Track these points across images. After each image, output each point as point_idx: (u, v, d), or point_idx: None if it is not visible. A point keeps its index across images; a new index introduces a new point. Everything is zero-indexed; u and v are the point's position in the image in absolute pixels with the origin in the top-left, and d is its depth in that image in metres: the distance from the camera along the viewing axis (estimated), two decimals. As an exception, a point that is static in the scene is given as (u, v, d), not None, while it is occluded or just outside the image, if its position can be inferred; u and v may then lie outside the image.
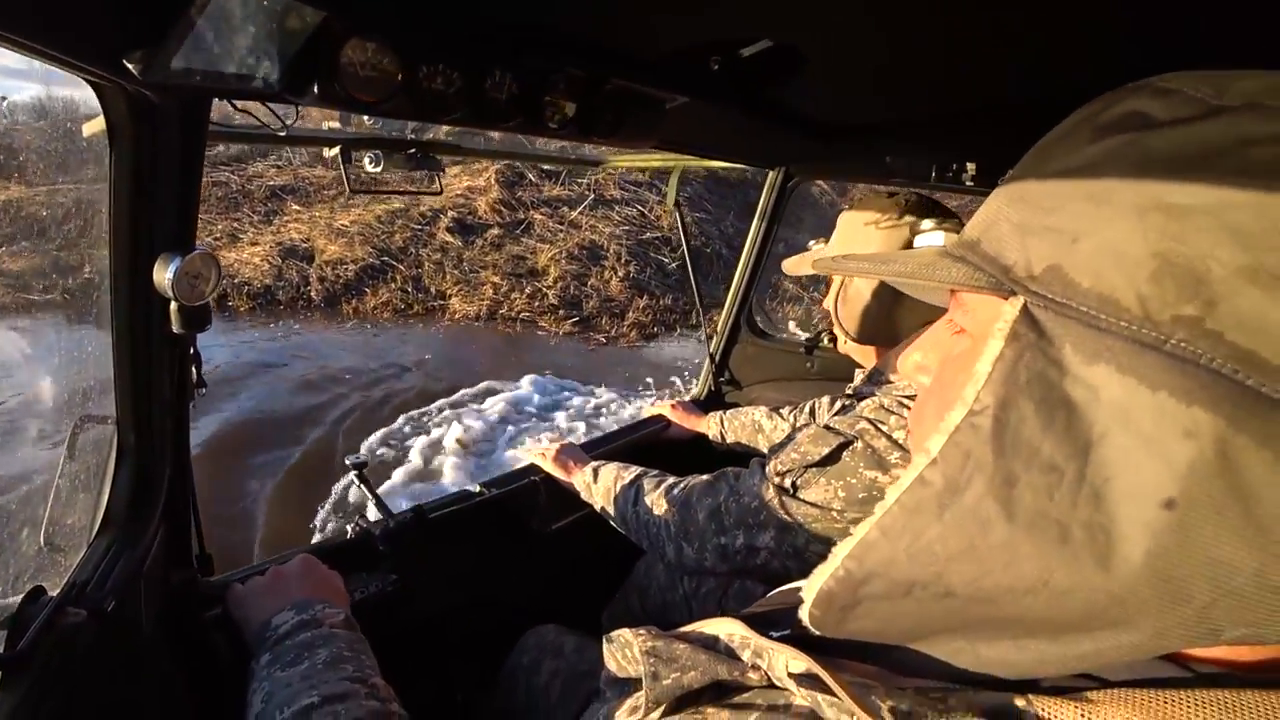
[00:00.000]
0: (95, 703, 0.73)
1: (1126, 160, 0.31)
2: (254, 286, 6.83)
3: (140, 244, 0.75)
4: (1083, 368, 0.29)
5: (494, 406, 5.06)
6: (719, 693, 0.44)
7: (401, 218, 8.04)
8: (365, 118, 1.04)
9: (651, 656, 0.44)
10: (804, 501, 1.00)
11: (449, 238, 7.91)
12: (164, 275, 0.74)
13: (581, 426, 4.98)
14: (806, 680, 0.38)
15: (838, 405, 1.27)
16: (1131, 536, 0.28)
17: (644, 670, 0.44)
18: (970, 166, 1.37)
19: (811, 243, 1.45)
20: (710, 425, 1.74)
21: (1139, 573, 0.28)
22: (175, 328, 0.79)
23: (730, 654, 0.44)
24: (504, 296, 7.32)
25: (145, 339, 0.81)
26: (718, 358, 2.06)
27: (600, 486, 1.30)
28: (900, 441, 0.96)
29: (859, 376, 1.27)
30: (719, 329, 2.06)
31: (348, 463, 1.29)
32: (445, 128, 1.06)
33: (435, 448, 4.46)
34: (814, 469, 1.00)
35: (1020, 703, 0.33)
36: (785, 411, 1.61)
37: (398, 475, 4.10)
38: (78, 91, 0.66)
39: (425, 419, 4.82)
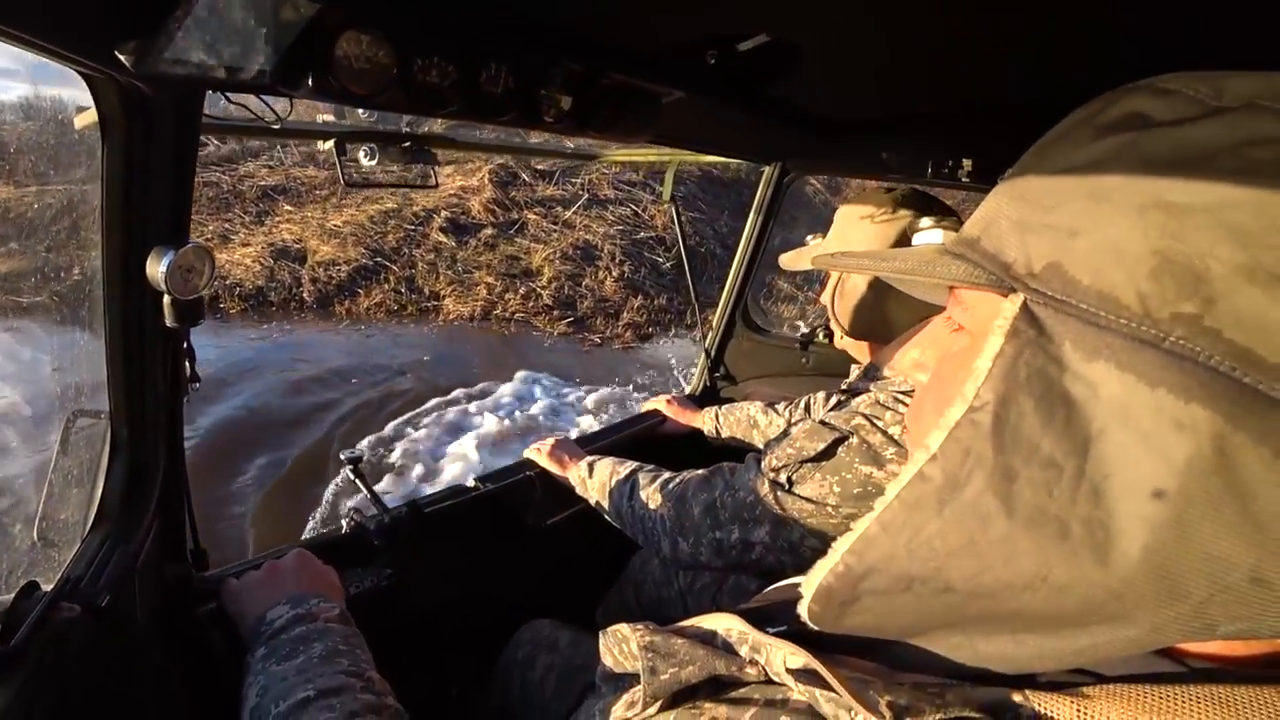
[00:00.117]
0: (90, 698, 0.73)
1: (1126, 159, 0.31)
2: (246, 288, 6.73)
3: (133, 237, 0.75)
4: (1082, 364, 0.30)
5: (490, 406, 5.04)
6: (717, 688, 0.44)
7: (395, 218, 7.96)
8: (360, 112, 1.04)
9: (649, 651, 0.44)
10: (799, 497, 1.00)
11: (442, 238, 7.84)
12: (157, 269, 0.74)
13: (577, 427, 4.97)
14: (804, 675, 0.38)
15: (833, 401, 1.27)
16: (1130, 532, 0.28)
17: (642, 665, 0.44)
18: (966, 163, 1.37)
19: (809, 237, 1.45)
20: (705, 420, 1.74)
21: (1137, 568, 0.28)
22: (169, 321, 0.78)
23: (728, 649, 0.44)
24: (498, 297, 7.27)
25: (138, 333, 0.80)
26: (713, 353, 2.06)
27: (595, 481, 1.30)
28: (896, 437, 0.97)
29: (854, 372, 1.27)
30: (714, 324, 2.06)
31: (343, 457, 1.28)
32: (441, 121, 1.05)
33: (429, 448, 4.43)
34: (809, 464, 1.01)
35: (1017, 698, 0.33)
36: (780, 407, 1.61)
37: (388, 478, 4.09)
38: (66, 90, 0.65)
39: (419, 419, 4.80)
